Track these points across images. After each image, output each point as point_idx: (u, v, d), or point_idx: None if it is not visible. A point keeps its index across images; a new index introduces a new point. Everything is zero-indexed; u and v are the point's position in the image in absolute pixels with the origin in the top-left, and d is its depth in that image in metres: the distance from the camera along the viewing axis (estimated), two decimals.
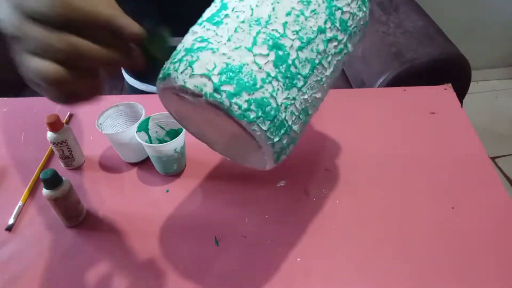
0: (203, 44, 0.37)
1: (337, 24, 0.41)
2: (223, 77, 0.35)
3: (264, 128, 0.37)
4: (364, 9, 0.44)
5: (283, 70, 0.37)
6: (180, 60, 0.37)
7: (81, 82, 0.31)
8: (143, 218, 0.59)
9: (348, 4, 0.42)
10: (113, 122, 0.66)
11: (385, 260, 0.52)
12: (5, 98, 0.83)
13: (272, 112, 0.37)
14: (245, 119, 0.36)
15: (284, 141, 0.40)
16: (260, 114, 0.36)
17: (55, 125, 0.61)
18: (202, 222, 0.58)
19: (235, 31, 0.37)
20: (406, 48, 1.06)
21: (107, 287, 0.51)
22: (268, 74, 0.36)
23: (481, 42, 1.88)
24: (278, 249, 0.54)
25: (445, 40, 1.07)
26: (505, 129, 1.77)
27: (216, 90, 0.35)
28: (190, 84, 0.36)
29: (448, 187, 0.60)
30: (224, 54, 0.36)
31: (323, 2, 0.40)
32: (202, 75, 0.35)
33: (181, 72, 0.36)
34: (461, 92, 0.97)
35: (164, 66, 0.39)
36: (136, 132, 0.60)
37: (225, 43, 0.36)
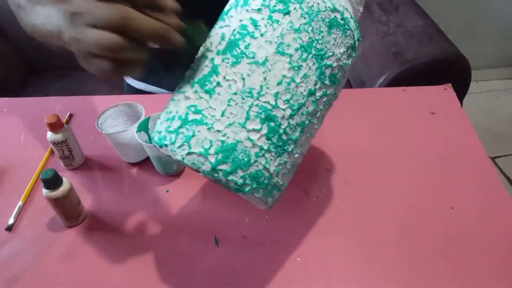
0: (197, 116, 0.37)
1: (327, 82, 0.41)
2: (219, 156, 0.37)
3: (258, 195, 0.39)
4: (354, 54, 0.43)
5: (275, 141, 0.38)
6: (176, 132, 0.38)
7: (134, 50, 0.34)
8: (143, 218, 0.59)
9: (339, 59, 0.41)
10: (113, 122, 0.66)
11: (384, 260, 0.52)
12: (5, 98, 0.83)
13: (266, 181, 0.39)
14: (241, 192, 0.38)
15: (276, 197, 0.42)
16: (254, 186, 0.38)
17: (55, 125, 0.61)
18: (202, 222, 0.58)
19: (228, 104, 0.37)
20: (406, 48, 1.06)
21: (107, 287, 0.51)
22: (261, 148, 0.38)
23: (481, 42, 1.88)
24: (278, 249, 0.54)
25: (445, 40, 1.07)
26: (505, 129, 1.77)
27: (213, 169, 0.37)
28: (188, 161, 0.37)
29: (448, 187, 0.60)
30: (218, 131, 0.37)
31: (314, 63, 0.39)
32: (199, 154, 0.37)
33: (178, 147, 0.37)
34: (461, 92, 0.97)
35: (157, 127, 0.39)
36: (136, 132, 0.60)
37: (219, 119, 0.37)
